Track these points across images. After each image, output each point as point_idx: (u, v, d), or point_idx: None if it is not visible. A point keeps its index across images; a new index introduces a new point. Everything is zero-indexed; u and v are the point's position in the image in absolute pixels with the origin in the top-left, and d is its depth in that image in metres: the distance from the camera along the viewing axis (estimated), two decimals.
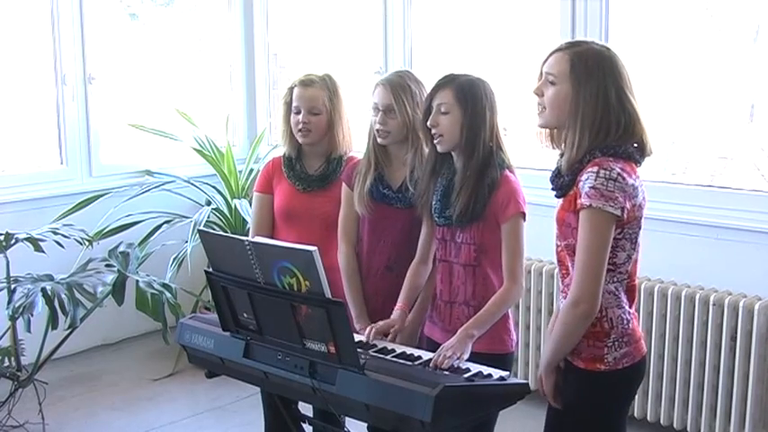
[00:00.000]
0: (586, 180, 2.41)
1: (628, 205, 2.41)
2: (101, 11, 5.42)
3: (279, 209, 3.37)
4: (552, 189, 2.58)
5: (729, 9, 4.28)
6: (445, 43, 5.24)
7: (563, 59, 2.49)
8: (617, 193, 2.38)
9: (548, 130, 2.60)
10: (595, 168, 2.40)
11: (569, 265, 2.53)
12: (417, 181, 3.02)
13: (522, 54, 4.86)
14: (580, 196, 2.42)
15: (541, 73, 2.55)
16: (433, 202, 2.91)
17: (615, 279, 2.49)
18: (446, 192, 2.88)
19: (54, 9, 5.15)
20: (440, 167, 2.92)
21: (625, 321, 2.52)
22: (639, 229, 2.50)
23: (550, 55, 2.53)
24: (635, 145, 2.49)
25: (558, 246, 2.57)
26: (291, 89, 3.34)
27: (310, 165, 3.37)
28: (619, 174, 2.40)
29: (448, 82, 2.84)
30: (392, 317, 2.95)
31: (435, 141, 2.85)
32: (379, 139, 3.09)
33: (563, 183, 2.52)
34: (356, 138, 3.40)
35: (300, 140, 3.31)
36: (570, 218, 2.48)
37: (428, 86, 2.94)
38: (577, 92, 2.46)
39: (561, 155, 2.57)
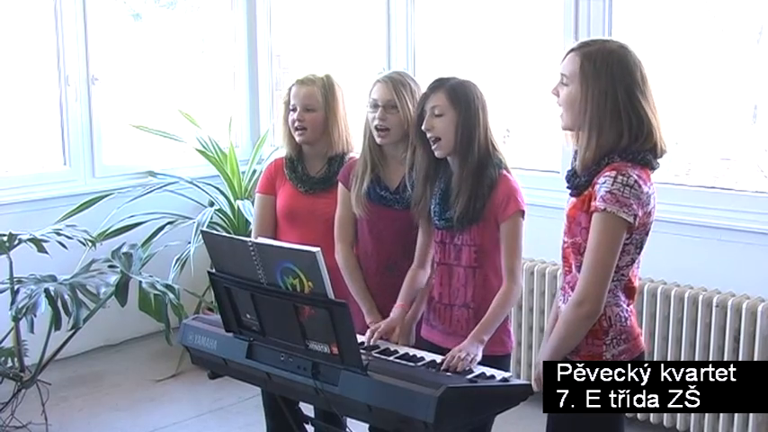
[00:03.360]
0: (603, 183, 2.41)
1: (640, 213, 2.42)
2: (104, 11, 5.43)
3: (281, 210, 3.37)
4: (568, 188, 2.58)
5: (732, 10, 4.27)
6: (448, 44, 5.24)
7: (574, 60, 2.49)
8: (632, 200, 2.39)
9: (571, 132, 2.59)
10: (613, 173, 2.40)
11: (573, 262, 2.54)
12: (413, 186, 3.02)
13: (526, 55, 4.87)
14: (595, 199, 2.42)
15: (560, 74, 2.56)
16: (432, 206, 2.91)
17: (615, 279, 2.50)
18: (444, 195, 2.89)
19: (57, 9, 5.15)
20: (434, 173, 2.93)
21: (623, 319, 2.53)
22: (647, 235, 2.50)
23: (566, 55, 2.54)
24: (653, 150, 2.48)
25: (564, 242, 2.58)
26: (290, 89, 3.35)
27: (312, 166, 3.37)
28: (636, 181, 2.40)
29: (439, 85, 2.86)
30: (392, 315, 2.95)
31: (433, 147, 2.86)
32: (377, 138, 3.09)
33: (579, 183, 2.52)
34: (357, 138, 3.39)
35: (297, 139, 3.31)
36: (581, 217, 2.48)
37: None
38: (585, 92, 2.46)
39: (575, 156, 2.58)
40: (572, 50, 2.52)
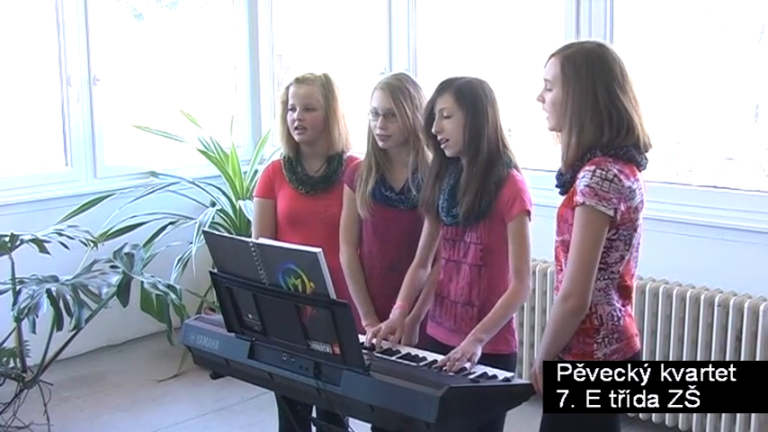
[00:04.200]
0: (582, 178, 2.43)
1: (622, 207, 2.42)
2: (106, 12, 5.43)
3: (283, 213, 3.36)
4: (556, 186, 2.60)
5: (734, 9, 4.27)
6: (450, 44, 5.24)
7: (555, 64, 2.53)
8: (611, 194, 2.40)
9: (558, 134, 2.61)
10: (593, 167, 2.42)
11: (563, 260, 2.54)
12: (420, 185, 3.03)
13: (527, 55, 4.87)
14: (576, 193, 2.44)
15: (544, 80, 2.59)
16: (440, 202, 2.91)
17: (606, 277, 2.50)
18: (453, 191, 2.89)
19: (59, 10, 5.16)
20: (444, 172, 2.93)
21: (615, 318, 2.53)
22: (635, 231, 2.50)
23: (547, 61, 2.57)
24: (636, 145, 2.50)
25: (556, 241, 2.59)
26: (288, 88, 3.34)
27: (310, 166, 3.36)
28: (615, 175, 2.41)
29: (446, 87, 2.86)
30: (392, 317, 2.94)
31: (443, 146, 2.87)
32: (380, 143, 3.09)
33: (565, 180, 2.54)
34: (356, 137, 3.39)
35: (297, 138, 3.30)
36: (567, 214, 2.50)
37: (429, 88, 2.94)
38: (567, 94, 2.49)
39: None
40: (552, 55, 2.55)
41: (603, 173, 2.40)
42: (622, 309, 2.56)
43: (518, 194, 2.82)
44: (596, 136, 2.46)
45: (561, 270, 2.57)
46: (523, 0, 4.97)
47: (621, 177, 2.42)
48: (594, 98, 2.46)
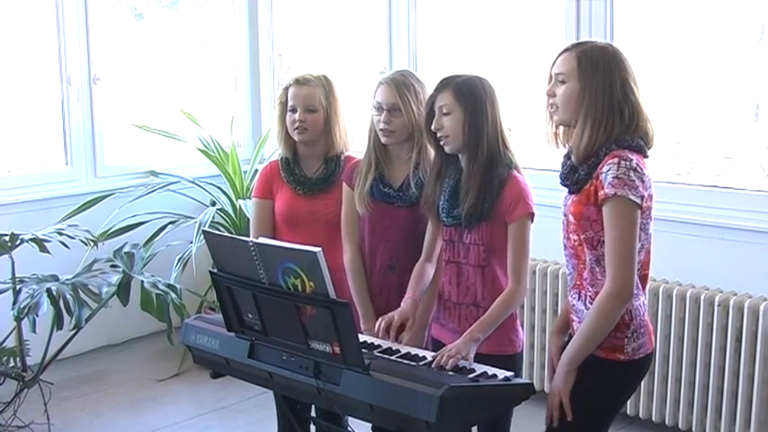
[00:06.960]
0: (608, 171, 2.45)
1: (645, 194, 2.48)
2: (106, 11, 5.43)
3: (281, 214, 3.36)
4: (565, 185, 2.62)
5: (734, 8, 4.27)
6: (450, 44, 5.24)
7: (570, 58, 2.56)
8: (637, 182, 2.45)
9: (553, 130, 2.67)
10: (616, 159, 2.46)
11: (587, 258, 2.55)
12: (421, 182, 3.03)
13: (527, 55, 4.87)
14: (603, 187, 2.46)
15: (551, 75, 2.62)
16: (441, 203, 2.91)
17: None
18: (454, 192, 2.89)
19: (59, 9, 5.16)
20: (445, 171, 2.93)
21: (641, 312, 2.58)
22: (650, 219, 2.55)
23: (558, 56, 2.60)
24: (643, 138, 2.55)
25: (574, 240, 2.59)
26: (287, 89, 3.33)
27: (308, 167, 3.37)
28: (637, 164, 2.47)
29: (446, 84, 2.86)
30: (403, 306, 2.92)
31: (442, 143, 2.87)
32: (383, 139, 3.09)
33: (578, 177, 2.55)
34: (356, 138, 3.39)
35: (296, 138, 3.30)
36: (590, 211, 2.51)
37: (430, 88, 2.95)
38: (585, 87, 2.53)
39: (568, 153, 2.62)
40: (566, 50, 2.60)
41: (627, 163, 2.45)
42: (645, 303, 2.62)
43: (521, 196, 2.82)
44: (608, 130, 2.51)
45: (585, 268, 2.57)
46: (523, 0, 4.97)
47: (642, 166, 2.48)
48: (611, 92, 2.51)
